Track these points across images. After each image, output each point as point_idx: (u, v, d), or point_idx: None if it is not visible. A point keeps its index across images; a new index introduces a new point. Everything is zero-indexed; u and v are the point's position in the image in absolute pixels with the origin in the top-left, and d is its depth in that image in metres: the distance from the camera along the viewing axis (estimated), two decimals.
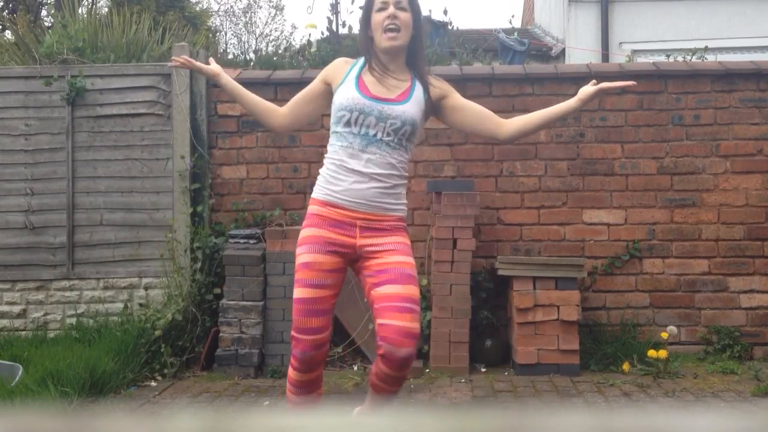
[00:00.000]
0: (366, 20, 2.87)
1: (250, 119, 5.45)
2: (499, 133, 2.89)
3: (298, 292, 2.76)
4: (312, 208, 2.82)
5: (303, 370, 2.79)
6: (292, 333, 2.79)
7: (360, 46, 2.94)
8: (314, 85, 2.95)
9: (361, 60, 2.87)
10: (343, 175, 2.76)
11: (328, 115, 5.70)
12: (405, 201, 2.89)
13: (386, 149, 2.75)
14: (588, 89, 2.85)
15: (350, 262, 2.82)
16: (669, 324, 5.00)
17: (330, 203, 2.77)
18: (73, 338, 5.04)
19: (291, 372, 2.83)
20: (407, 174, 2.90)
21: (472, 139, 5.27)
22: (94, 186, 5.48)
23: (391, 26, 2.77)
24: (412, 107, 2.78)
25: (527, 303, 4.71)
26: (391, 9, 2.78)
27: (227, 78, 3.08)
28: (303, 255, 2.77)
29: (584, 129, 5.29)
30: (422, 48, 2.95)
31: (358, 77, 2.81)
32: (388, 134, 2.74)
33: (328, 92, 2.89)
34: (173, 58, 3.12)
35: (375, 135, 2.74)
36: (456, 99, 2.90)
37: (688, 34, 8.69)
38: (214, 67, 3.05)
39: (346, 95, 2.78)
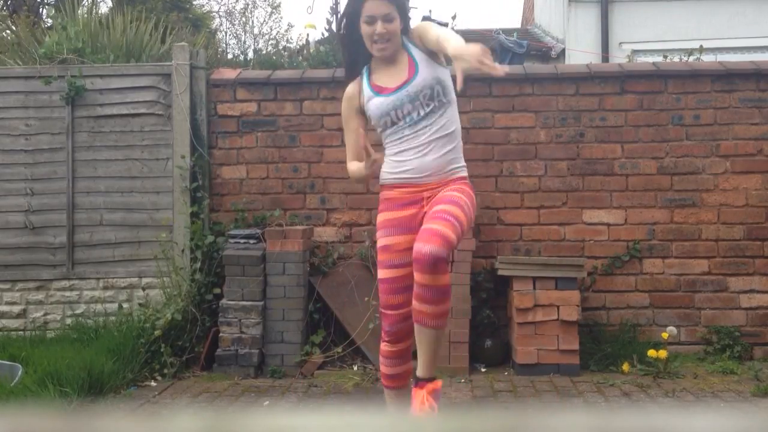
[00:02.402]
0: (354, 25, 2.98)
1: (250, 119, 5.46)
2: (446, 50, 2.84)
3: (381, 273, 3.00)
4: (384, 194, 3.04)
5: (392, 341, 2.99)
6: (380, 309, 3.02)
7: (348, 54, 3.09)
8: (352, 124, 3.09)
9: (364, 70, 3.04)
10: (407, 157, 2.95)
11: (329, 115, 5.70)
12: (463, 162, 3.05)
13: (432, 117, 2.94)
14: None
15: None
16: (669, 324, 5.00)
17: (398, 185, 2.99)
18: (72, 338, 5.04)
19: (382, 346, 3.04)
20: (457, 129, 3.01)
21: (472, 139, 5.27)
22: (94, 186, 5.48)
23: (380, 41, 2.93)
24: (424, 70, 2.94)
25: (527, 303, 4.71)
26: (379, 26, 2.91)
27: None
28: (381, 239, 3.00)
29: (584, 129, 5.29)
30: (409, 27, 3.05)
31: (371, 83, 3.01)
32: (426, 105, 2.93)
33: (365, 119, 3.07)
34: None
35: (418, 113, 2.93)
36: (428, 34, 2.93)
37: (688, 34, 8.69)
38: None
39: (374, 106, 2.98)
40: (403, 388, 3.08)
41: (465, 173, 3.05)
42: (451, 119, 2.99)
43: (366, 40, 2.97)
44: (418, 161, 2.94)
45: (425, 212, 2.91)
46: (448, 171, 2.96)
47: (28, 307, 5.45)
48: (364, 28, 2.95)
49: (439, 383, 2.98)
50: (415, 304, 2.83)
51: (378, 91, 2.98)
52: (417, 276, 2.75)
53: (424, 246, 2.69)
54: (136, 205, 5.45)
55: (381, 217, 3.03)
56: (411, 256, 2.78)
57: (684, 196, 5.23)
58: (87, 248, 5.46)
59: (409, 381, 3.06)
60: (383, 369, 3.07)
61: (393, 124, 2.96)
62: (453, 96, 3.01)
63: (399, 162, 2.97)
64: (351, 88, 3.09)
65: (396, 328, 2.96)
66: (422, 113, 2.93)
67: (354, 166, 3.10)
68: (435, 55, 2.99)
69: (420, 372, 2.92)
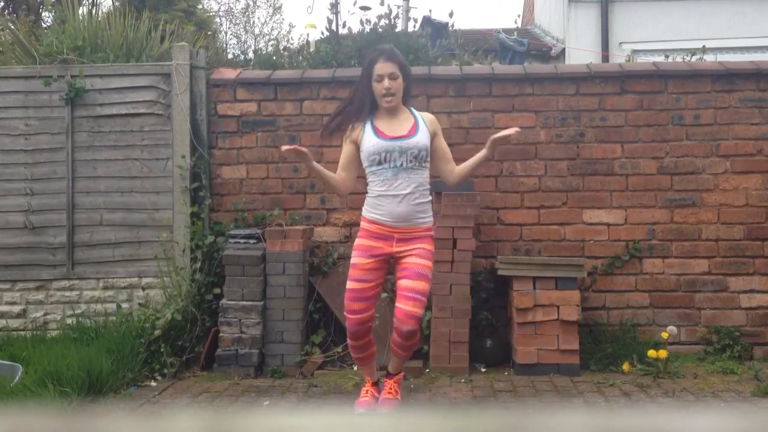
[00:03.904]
0: (368, 82, 3.75)
1: (250, 119, 5.46)
2: (449, 178, 3.91)
3: (348, 285, 3.78)
4: (363, 224, 3.82)
5: (353, 338, 3.84)
6: (345, 312, 3.82)
7: (359, 98, 3.80)
8: (348, 150, 3.82)
9: (368, 117, 3.79)
10: (383, 201, 3.71)
11: (328, 115, 5.74)
12: (431, 213, 3.82)
13: (411, 173, 3.69)
14: (494, 137, 3.75)
15: (389, 260, 3.80)
16: (669, 324, 5.00)
17: (375, 221, 3.75)
18: (72, 338, 5.03)
19: (348, 340, 3.90)
20: (429, 189, 3.81)
21: (472, 139, 5.27)
22: (94, 186, 5.48)
23: (387, 95, 3.72)
24: (422, 137, 3.74)
25: (527, 303, 4.71)
26: (386, 82, 3.70)
27: (314, 163, 3.81)
28: (354, 258, 3.79)
29: (584, 129, 5.29)
30: (409, 88, 3.87)
31: (374, 126, 3.75)
32: (410, 161, 3.68)
33: (357, 150, 3.80)
34: (285, 149, 3.74)
35: (401, 165, 3.68)
36: (439, 141, 3.86)
37: (688, 34, 8.69)
38: (308, 152, 3.77)
39: (371, 143, 3.71)
40: (369, 363, 4.01)
41: (431, 223, 3.82)
42: (425, 180, 3.75)
43: (377, 95, 3.73)
44: (391, 209, 3.69)
45: (394, 252, 3.73)
46: (416, 220, 3.73)
47: (28, 307, 5.45)
48: (375, 86, 3.72)
49: (401, 375, 4.06)
50: (393, 348, 3.86)
51: (377, 132, 3.72)
52: (398, 338, 3.74)
53: (403, 325, 3.67)
54: (136, 205, 5.45)
55: (358, 242, 3.80)
56: (372, 275, 3.74)
57: (684, 196, 5.23)
58: (87, 248, 5.46)
59: (374, 358, 4.03)
60: (352, 354, 4.00)
61: (380, 163, 3.69)
62: (428, 164, 3.77)
63: (377, 205, 3.73)
64: (354, 126, 3.82)
65: (355, 329, 3.79)
66: (405, 165, 3.68)
67: (335, 176, 3.84)
68: (433, 137, 3.80)
69: (391, 369, 3.98)
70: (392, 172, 3.68)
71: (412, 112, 3.84)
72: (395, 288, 3.82)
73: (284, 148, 3.76)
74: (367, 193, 3.80)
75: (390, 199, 3.69)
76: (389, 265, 3.85)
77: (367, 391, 4.03)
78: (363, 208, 3.83)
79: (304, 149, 3.74)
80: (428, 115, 3.91)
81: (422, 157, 3.70)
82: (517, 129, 3.79)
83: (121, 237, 5.44)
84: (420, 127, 3.76)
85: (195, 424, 0.59)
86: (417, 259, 3.70)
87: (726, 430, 0.58)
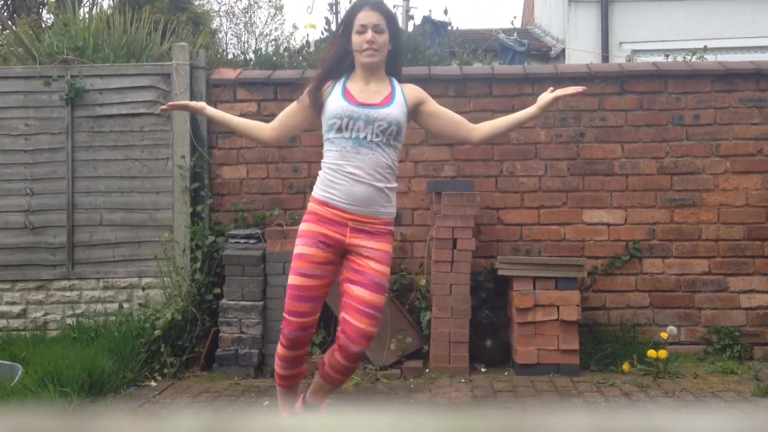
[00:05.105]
0: (347, 36, 3.14)
1: (250, 119, 5.45)
2: (471, 138, 3.29)
3: (291, 279, 3.14)
4: (311, 206, 3.14)
5: (289, 347, 3.13)
6: (283, 314, 3.13)
7: (337, 55, 3.18)
8: (293, 106, 3.26)
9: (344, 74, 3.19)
10: (339, 177, 3.06)
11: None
12: (394, 204, 3.19)
13: (376, 149, 3.06)
14: (546, 96, 3.18)
15: (341, 254, 3.12)
16: (669, 324, 5.00)
17: (326, 203, 3.08)
18: (72, 338, 5.03)
19: (279, 348, 3.18)
20: (396, 176, 3.20)
21: None
22: (94, 186, 5.48)
23: (369, 48, 3.08)
24: (395, 109, 3.11)
25: (527, 303, 4.71)
26: (369, 34, 3.07)
27: (212, 109, 3.41)
28: (299, 246, 3.12)
29: (584, 129, 5.29)
30: (400, 60, 3.29)
31: (344, 87, 3.14)
32: (377, 135, 3.06)
33: (307, 109, 3.21)
34: (161, 108, 3.41)
35: (365, 137, 3.05)
36: (432, 105, 3.24)
37: (688, 34, 8.69)
38: (196, 103, 3.45)
39: (335, 104, 3.09)
40: (294, 386, 3.32)
41: (393, 216, 3.18)
42: (392, 162, 3.12)
43: (355, 51, 3.11)
44: (346, 188, 3.05)
45: (347, 243, 3.06)
46: (376, 208, 3.08)
47: (28, 307, 5.45)
48: (355, 38, 3.10)
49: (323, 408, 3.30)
50: (327, 371, 3.14)
51: (346, 95, 3.12)
52: (341, 359, 3.06)
53: (353, 345, 3.00)
54: (136, 205, 5.45)
55: (304, 227, 3.14)
56: (325, 270, 3.08)
57: (684, 196, 5.23)
58: (87, 248, 5.46)
59: (299, 382, 3.35)
60: (278, 369, 3.24)
61: (339, 130, 3.07)
62: (400, 144, 3.18)
63: (330, 183, 3.08)
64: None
65: (295, 336, 3.09)
66: (369, 138, 3.05)
67: (253, 122, 3.44)
68: (414, 113, 3.22)
69: (309, 398, 3.27)
70: (353, 143, 3.04)
71: (391, 82, 3.20)
72: (341, 290, 3.12)
73: (158, 110, 3.51)
74: (320, 168, 3.18)
75: (346, 177, 3.04)
76: (341, 260, 3.16)
77: None
78: (315, 187, 3.17)
79: (183, 102, 3.50)
80: (410, 86, 3.24)
81: (392, 132, 3.07)
82: (580, 88, 3.20)
83: (121, 237, 5.44)
84: (396, 98, 3.13)
85: (195, 424, 0.60)
86: (377, 264, 3.05)
87: (726, 430, 0.58)
